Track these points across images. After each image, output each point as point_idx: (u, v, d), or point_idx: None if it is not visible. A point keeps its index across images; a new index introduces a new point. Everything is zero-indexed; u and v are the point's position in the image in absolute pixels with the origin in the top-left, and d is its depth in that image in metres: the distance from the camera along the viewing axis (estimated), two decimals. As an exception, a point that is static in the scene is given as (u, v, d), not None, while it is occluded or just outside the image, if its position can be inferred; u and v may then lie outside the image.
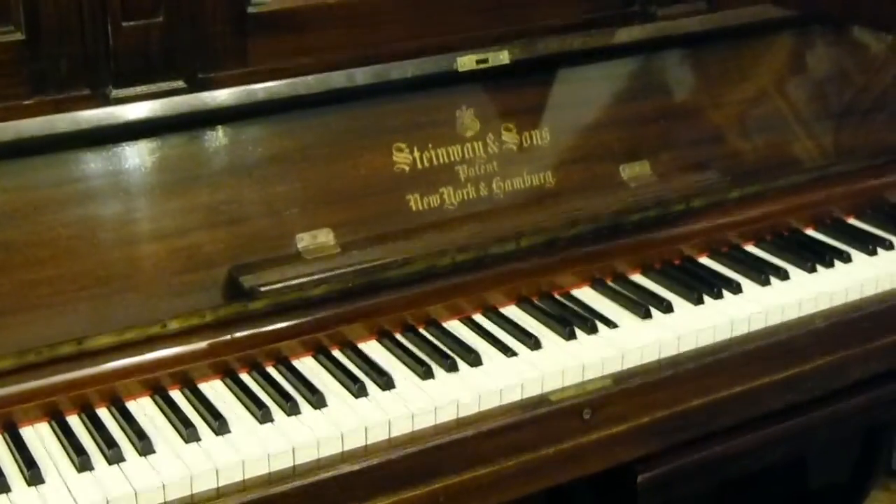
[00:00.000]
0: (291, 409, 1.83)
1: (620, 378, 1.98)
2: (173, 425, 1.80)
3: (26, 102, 1.89)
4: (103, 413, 1.83)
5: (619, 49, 2.29)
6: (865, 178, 2.49)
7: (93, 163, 1.90)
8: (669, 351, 2.04)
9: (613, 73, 2.30)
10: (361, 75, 2.05)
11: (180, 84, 1.96)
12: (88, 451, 1.73)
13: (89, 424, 1.80)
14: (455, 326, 2.06)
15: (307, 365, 1.95)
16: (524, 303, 2.12)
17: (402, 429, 1.83)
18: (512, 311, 2.11)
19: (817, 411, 2.20)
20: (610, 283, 2.19)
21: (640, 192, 2.23)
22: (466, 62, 2.12)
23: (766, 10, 2.42)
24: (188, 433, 1.77)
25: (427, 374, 1.92)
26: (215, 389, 1.89)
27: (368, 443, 1.81)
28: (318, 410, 1.84)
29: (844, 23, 2.51)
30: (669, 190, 2.26)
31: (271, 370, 1.93)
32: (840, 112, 2.51)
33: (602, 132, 2.26)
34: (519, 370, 1.95)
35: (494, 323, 2.07)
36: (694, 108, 2.36)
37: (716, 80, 2.40)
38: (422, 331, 2.03)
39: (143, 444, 1.74)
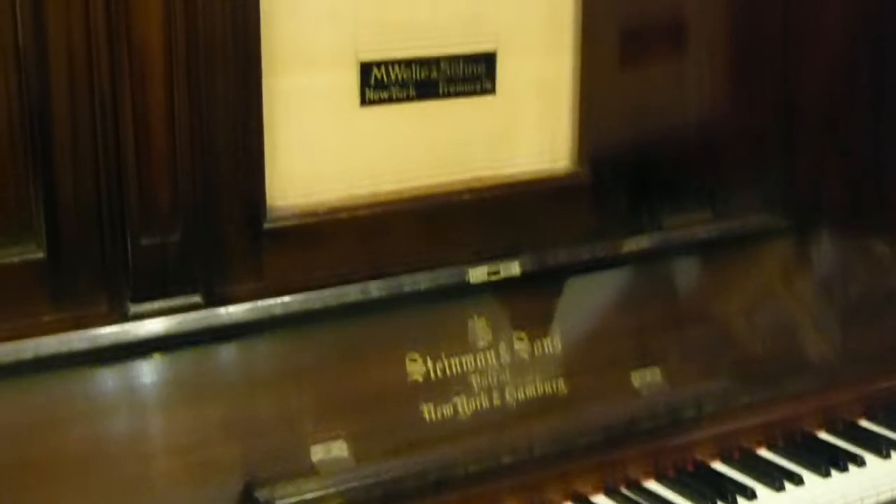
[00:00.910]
0: None
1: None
2: None
3: (46, 319, 1.91)
4: None
5: (628, 257, 2.34)
6: (876, 379, 2.49)
7: (108, 378, 1.92)
8: (686, 561, 2.03)
9: (622, 280, 2.33)
10: (375, 288, 2.09)
11: (197, 299, 1.99)
12: None
13: None
14: (469, 537, 2.05)
15: (321, 578, 1.94)
16: (538, 512, 2.12)
17: None
18: (526, 521, 2.10)
19: None
20: (624, 491, 2.17)
21: (652, 399, 2.24)
22: (478, 274, 2.16)
23: (771, 218, 2.47)
24: None
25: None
26: None
27: None
28: None
29: (849, 227, 2.56)
30: (681, 397, 2.27)
31: (286, 584, 1.92)
32: (848, 314, 2.53)
33: (612, 339, 2.28)
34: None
35: (508, 533, 2.06)
36: (702, 314, 2.39)
37: (723, 285, 2.43)
38: (436, 542, 2.03)
39: None
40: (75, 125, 1.88)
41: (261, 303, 2.01)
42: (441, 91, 2.20)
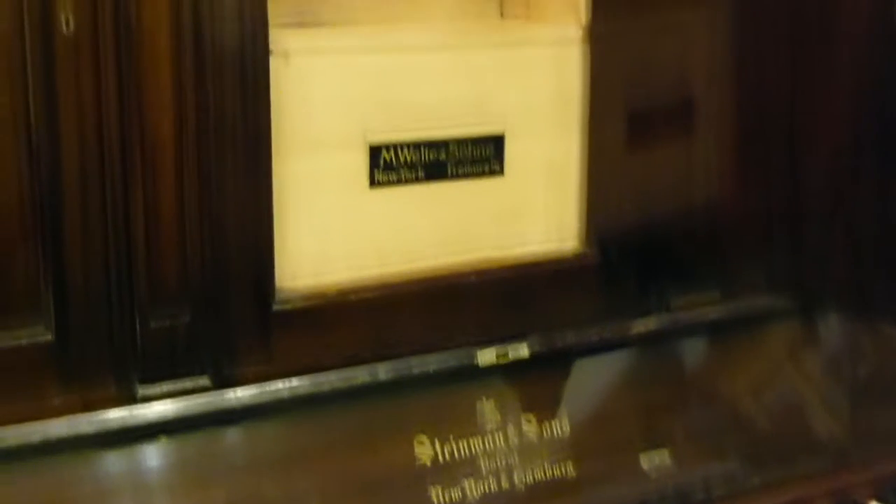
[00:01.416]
0: None
1: None
2: None
3: (54, 402, 1.91)
4: None
5: (636, 339, 2.33)
6: (886, 461, 2.48)
7: (116, 461, 1.91)
8: None
9: (630, 361, 2.33)
10: (383, 371, 2.09)
11: (205, 381, 1.99)
12: None
13: None
14: None
15: None
16: None
17: None
18: None
19: None
20: (633, 575, 2.17)
21: (661, 482, 2.23)
22: (486, 357, 2.16)
23: (778, 299, 2.47)
24: None
25: None
26: None
27: None
28: None
29: (856, 308, 2.56)
30: (690, 479, 2.25)
31: None
32: (857, 395, 2.52)
33: (621, 421, 2.27)
34: None
35: None
36: (711, 395, 2.38)
37: (731, 367, 2.42)
38: None
39: None
40: (85, 208, 1.89)
41: (269, 385, 2.01)
42: (449, 173, 2.21)
